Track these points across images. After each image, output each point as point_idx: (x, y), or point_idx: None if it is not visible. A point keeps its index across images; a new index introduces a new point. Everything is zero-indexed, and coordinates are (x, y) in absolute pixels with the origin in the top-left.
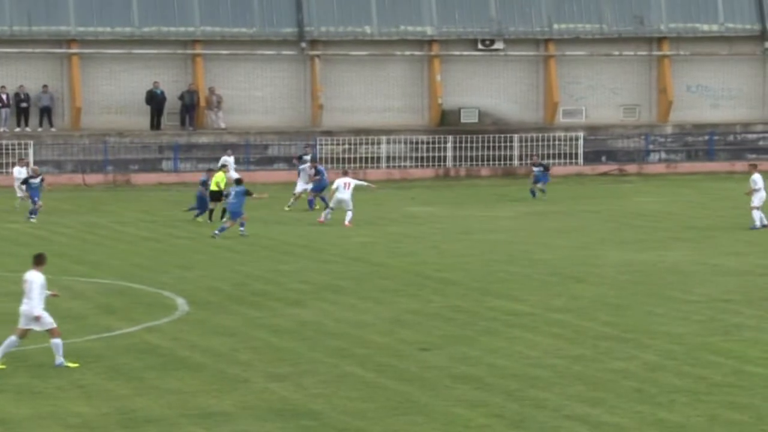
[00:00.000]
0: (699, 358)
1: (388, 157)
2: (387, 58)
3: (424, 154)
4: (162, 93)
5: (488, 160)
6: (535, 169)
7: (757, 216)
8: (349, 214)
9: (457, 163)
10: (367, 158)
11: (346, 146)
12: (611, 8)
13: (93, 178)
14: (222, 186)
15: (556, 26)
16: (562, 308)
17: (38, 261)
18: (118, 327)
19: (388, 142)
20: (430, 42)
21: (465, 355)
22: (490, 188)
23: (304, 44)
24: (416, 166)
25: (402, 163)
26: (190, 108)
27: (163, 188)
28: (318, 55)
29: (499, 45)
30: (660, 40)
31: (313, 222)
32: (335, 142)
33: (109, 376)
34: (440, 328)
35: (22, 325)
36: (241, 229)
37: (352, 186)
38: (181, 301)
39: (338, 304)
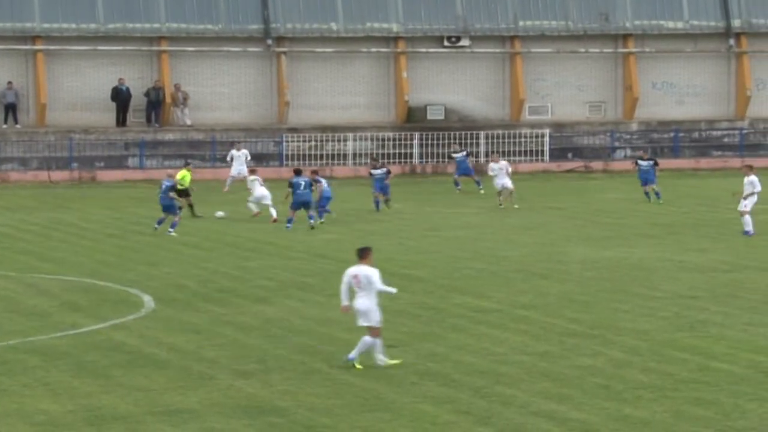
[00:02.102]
0: (664, 355)
1: (354, 154)
2: (353, 55)
3: (391, 151)
4: (127, 90)
5: None
6: (642, 163)
7: (749, 221)
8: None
9: (424, 160)
10: (333, 155)
11: (313, 143)
12: (577, 5)
13: (58, 175)
14: (186, 183)
15: (521, 23)
16: (529, 305)
17: (365, 254)
18: (84, 324)
19: (354, 139)
20: (396, 39)
21: (431, 351)
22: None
23: (270, 41)
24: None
25: (368, 160)
26: (155, 105)
27: (128, 185)
28: (284, 52)
29: (465, 42)
30: (625, 37)
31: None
32: (301, 139)
33: (75, 374)
34: (406, 324)
35: (362, 323)
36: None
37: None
38: (147, 298)
39: (304, 301)
